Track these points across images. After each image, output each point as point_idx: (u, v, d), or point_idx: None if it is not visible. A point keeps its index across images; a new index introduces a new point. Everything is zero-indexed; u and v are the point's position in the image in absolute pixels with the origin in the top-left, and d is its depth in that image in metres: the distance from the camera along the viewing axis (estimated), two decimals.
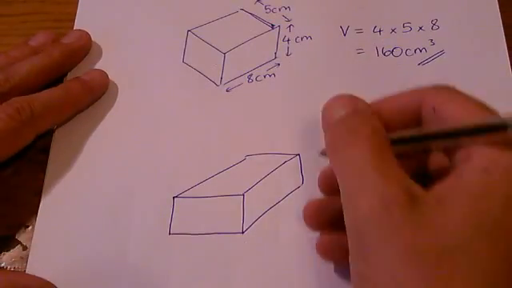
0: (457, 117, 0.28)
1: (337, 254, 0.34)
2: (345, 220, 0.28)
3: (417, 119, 0.31)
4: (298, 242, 0.36)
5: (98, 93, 0.41)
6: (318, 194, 0.35)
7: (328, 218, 0.34)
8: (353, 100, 0.32)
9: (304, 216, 0.35)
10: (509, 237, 0.26)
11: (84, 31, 0.43)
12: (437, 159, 0.31)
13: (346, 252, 0.28)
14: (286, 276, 0.35)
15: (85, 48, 0.43)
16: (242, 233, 0.37)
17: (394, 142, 0.30)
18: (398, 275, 0.25)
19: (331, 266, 0.35)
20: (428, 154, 0.32)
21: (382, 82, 0.41)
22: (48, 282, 0.35)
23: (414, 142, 0.30)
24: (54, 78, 0.42)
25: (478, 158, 0.27)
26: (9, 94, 0.38)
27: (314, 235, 0.35)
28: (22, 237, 0.38)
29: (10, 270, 0.37)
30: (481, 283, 0.25)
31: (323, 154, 0.31)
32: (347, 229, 0.28)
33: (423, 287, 0.25)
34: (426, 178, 0.30)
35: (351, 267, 0.28)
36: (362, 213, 0.27)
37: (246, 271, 0.35)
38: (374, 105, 0.32)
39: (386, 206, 0.26)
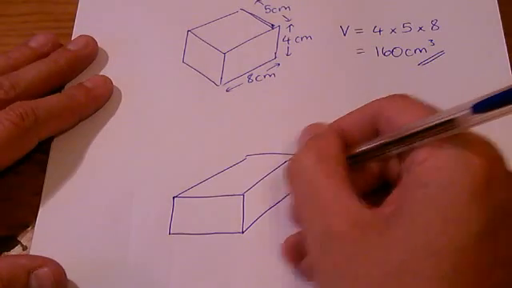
0: (407, 123, 0.29)
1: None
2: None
3: (376, 131, 0.31)
4: None
5: (102, 101, 0.41)
6: None
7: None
8: (312, 129, 0.35)
9: (282, 253, 0.35)
10: (451, 254, 0.25)
11: (90, 37, 0.43)
12: (394, 165, 0.31)
13: None
14: (285, 276, 0.35)
15: (91, 55, 0.43)
16: (242, 233, 0.37)
17: (354, 157, 0.31)
18: None
19: None
20: (388, 161, 0.32)
21: (382, 82, 0.41)
22: (50, 259, 0.34)
23: (372, 153, 0.31)
24: (59, 85, 0.42)
25: (418, 169, 0.27)
26: (13, 101, 0.38)
27: None
28: (21, 237, 0.38)
29: (10, 255, 0.37)
30: None
31: None
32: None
33: None
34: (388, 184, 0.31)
35: None
36: (313, 249, 0.29)
37: (245, 271, 0.35)
38: (336, 123, 0.33)
39: (331, 242, 0.27)
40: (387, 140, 0.29)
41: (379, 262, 0.26)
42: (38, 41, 0.42)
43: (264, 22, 0.44)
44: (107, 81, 0.42)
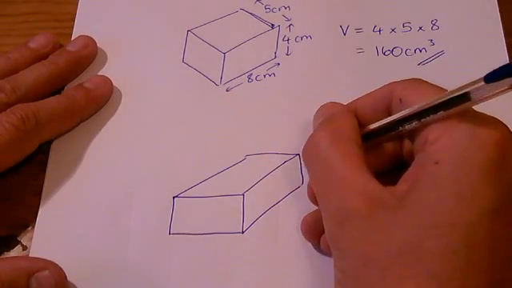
0: (419, 102, 0.29)
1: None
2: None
3: (389, 112, 0.32)
4: (298, 241, 0.36)
5: (102, 102, 0.41)
6: None
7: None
8: (327, 108, 0.35)
9: (302, 231, 0.36)
10: (461, 233, 0.25)
11: (90, 38, 0.43)
12: (407, 145, 0.32)
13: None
14: (285, 276, 0.35)
15: (90, 56, 0.43)
16: (242, 233, 0.37)
17: (369, 135, 0.32)
18: (360, 280, 0.27)
19: (331, 266, 0.35)
20: (402, 141, 0.33)
21: (382, 82, 0.41)
22: (51, 261, 0.35)
23: (386, 130, 0.31)
24: (59, 86, 0.41)
25: (432, 148, 0.28)
26: (14, 104, 0.38)
27: None
28: (21, 237, 0.38)
29: (11, 257, 0.37)
30: (431, 280, 0.25)
31: None
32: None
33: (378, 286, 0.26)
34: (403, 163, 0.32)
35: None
36: (329, 225, 0.29)
37: (245, 271, 0.35)
38: (351, 104, 0.34)
39: (347, 218, 0.28)
40: (400, 116, 0.30)
41: (388, 242, 0.26)
42: (38, 41, 0.42)
43: (264, 21, 0.44)
44: (107, 81, 0.42)
